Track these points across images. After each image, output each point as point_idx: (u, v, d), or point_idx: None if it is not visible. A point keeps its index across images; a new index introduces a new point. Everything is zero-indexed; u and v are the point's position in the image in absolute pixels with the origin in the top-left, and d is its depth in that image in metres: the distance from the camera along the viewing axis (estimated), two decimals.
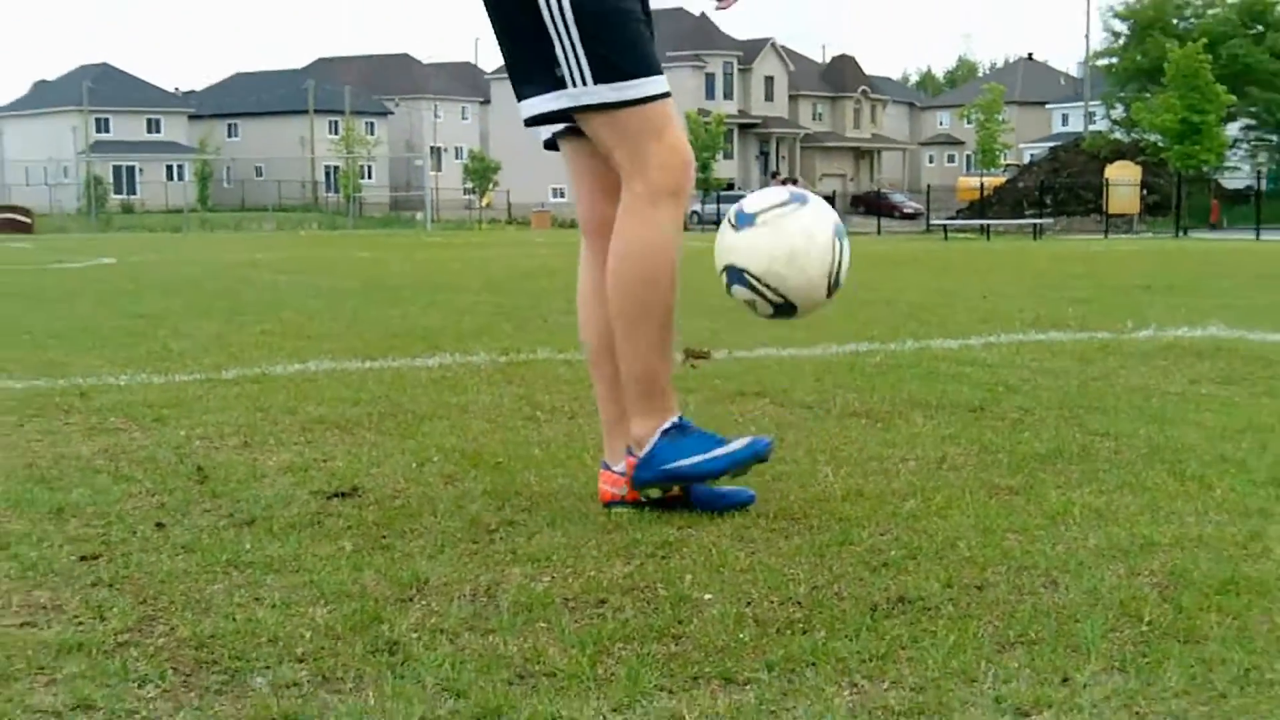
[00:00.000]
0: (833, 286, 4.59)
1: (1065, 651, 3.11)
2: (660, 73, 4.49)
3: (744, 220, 4.63)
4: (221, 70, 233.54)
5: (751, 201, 4.69)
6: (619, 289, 4.55)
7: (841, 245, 4.58)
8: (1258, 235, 54.89)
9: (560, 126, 4.67)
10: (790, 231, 4.56)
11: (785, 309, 4.61)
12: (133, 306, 13.92)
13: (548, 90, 4.47)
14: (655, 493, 4.57)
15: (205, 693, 2.90)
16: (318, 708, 2.79)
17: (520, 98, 4.58)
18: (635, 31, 4.45)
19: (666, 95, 4.51)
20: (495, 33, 4.61)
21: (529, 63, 4.50)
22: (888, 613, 3.40)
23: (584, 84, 4.41)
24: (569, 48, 4.39)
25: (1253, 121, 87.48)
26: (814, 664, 3.03)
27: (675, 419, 4.59)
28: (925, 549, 3.98)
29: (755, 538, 4.15)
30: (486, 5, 4.55)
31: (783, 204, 4.61)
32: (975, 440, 5.58)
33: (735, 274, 4.60)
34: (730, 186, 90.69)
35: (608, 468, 4.72)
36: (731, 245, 4.62)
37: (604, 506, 4.62)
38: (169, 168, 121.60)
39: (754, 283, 4.55)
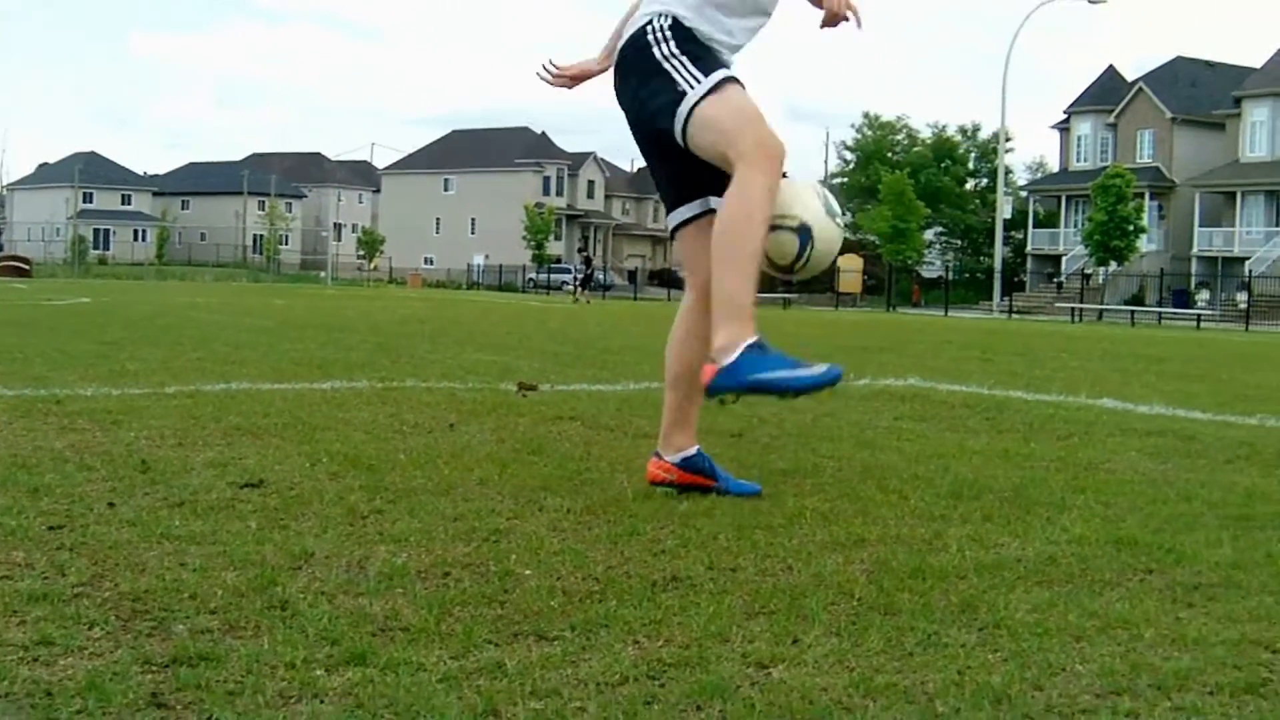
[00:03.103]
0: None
1: (796, 620, 3.10)
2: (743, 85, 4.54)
3: (835, 213, 4.62)
4: (180, 159, 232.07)
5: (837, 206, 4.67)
6: (723, 225, 4.40)
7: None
8: (946, 312, 55.84)
9: (687, 218, 4.79)
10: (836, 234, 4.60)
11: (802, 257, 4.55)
12: (100, 335, 13.68)
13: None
14: (731, 399, 4.30)
15: (139, 635, 2.86)
16: (225, 649, 2.74)
17: (670, 209, 4.80)
18: (717, 58, 4.55)
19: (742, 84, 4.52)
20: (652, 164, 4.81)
21: (681, 181, 4.72)
22: (664, 588, 3.38)
23: (692, 86, 4.44)
24: (681, 71, 4.46)
25: (943, 229, 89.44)
26: (607, 626, 3.01)
27: (757, 338, 4.28)
28: (693, 540, 3.97)
29: (565, 528, 4.12)
30: (645, 150, 4.76)
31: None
32: (734, 458, 5.57)
33: (806, 233, 4.52)
34: (558, 260, 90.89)
35: (659, 456, 4.86)
36: (817, 217, 4.55)
37: (651, 485, 4.76)
38: (136, 231, 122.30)
39: (811, 239, 4.50)
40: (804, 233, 4.52)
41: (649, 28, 4.57)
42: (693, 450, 4.85)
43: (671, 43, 4.51)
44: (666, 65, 4.49)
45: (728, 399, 4.32)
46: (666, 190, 4.88)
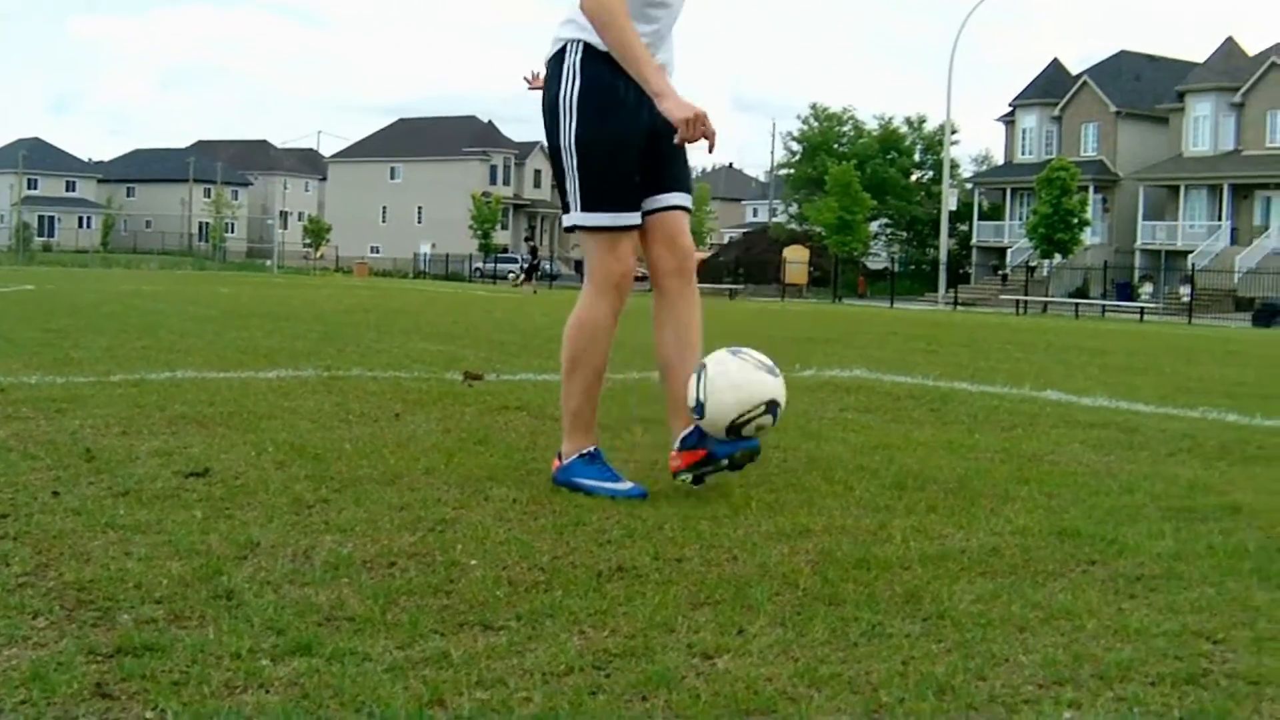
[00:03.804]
0: (733, 426, 4.60)
1: (741, 610, 3.11)
2: (631, 208, 4.71)
3: (735, 352, 4.74)
4: (125, 145, 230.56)
5: (750, 351, 4.80)
6: (567, 344, 4.83)
7: (762, 414, 4.63)
8: (892, 303, 56.07)
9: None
10: (752, 377, 4.66)
11: (698, 409, 4.62)
12: (45, 323, 13.57)
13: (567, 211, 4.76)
14: (568, 489, 4.65)
15: (84, 625, 2.84)
16: (170, 639, 2.73)
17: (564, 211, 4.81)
18: (615, 170, 4.67)
19: (627, 228, 4.71)
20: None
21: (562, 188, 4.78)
22: (609, 578, 3.39)
23: (575, 209, 4.71)
24: (571, 182, 4.70)
25: (889, 220, 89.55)
26: (552, 615, 3.01)
27: (593, 448, 4.78)
28: (639, 530, 3.97)
29: (511, 518, 4.12)
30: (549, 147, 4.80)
31: (765, 364, 4.74)
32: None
33: (700, 369, 4.66)
34: (504, 250, 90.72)
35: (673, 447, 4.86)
36: (714, 356, 4.70)
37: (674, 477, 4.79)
38: (80, 218, 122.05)
39: (701, 380, 4.61)
40: (699, 369, 4.68)
41: (564, 71, 4.66)
42: (689, 429, 4.83)
43: (574, 120, 4.63)
44: (564, 156, 4.70)
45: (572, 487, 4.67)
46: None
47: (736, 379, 4.59)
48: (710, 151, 4.64)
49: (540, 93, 4.84)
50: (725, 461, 4.66)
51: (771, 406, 4.62)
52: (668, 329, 4.89)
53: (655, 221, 4.81)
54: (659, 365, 4.96)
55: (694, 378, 4.63)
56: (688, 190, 4.90)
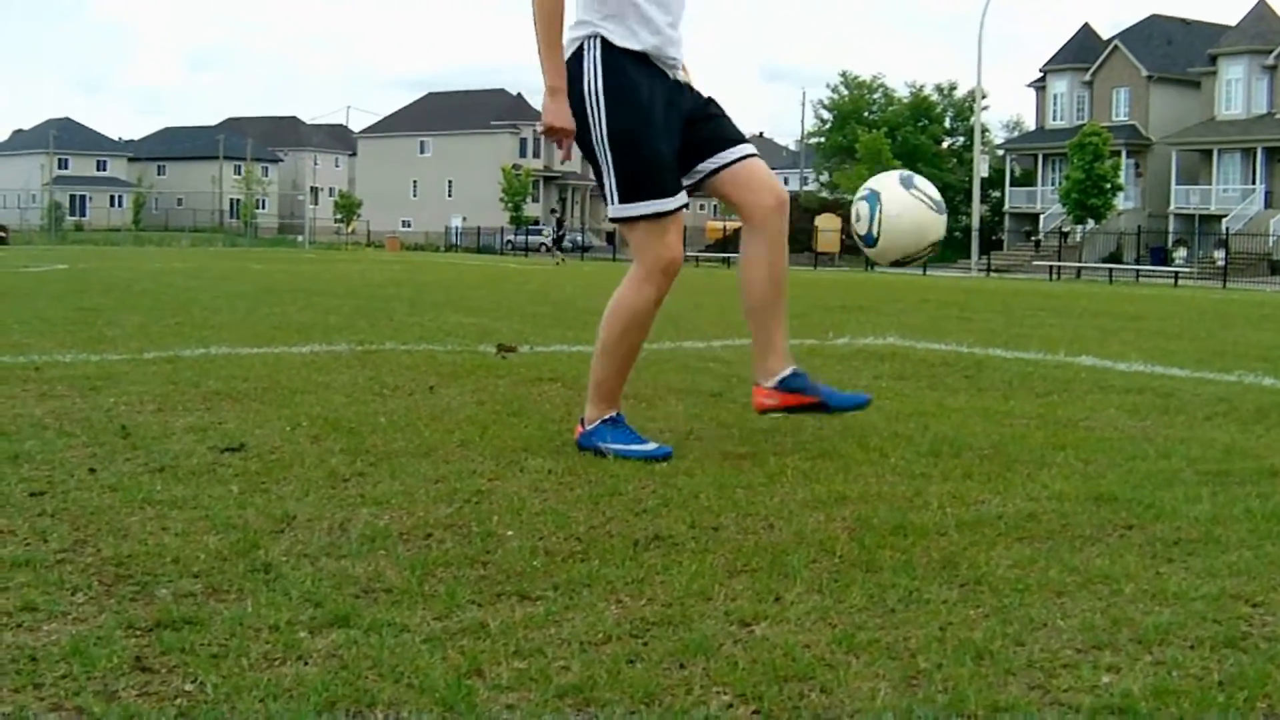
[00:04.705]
0: (900, 261, 5.03)
1: (778, 577, 3.11)
2: (670, 193, 4.72)
3: (907, 184, 5.00)
4: (155, 124, 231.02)
5: (921, 181, 5.06)
6: (607, 325, 4.84)
7: (927, 251, 5.00)
8: (925, 271, 55.81)
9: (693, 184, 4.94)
10: (922, 217, 4.94)
11: (869, 241, 4.96)
12: (78, 302, 13.63)
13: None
14: (594, 455, 4.70)
15: (122, 600, 2.86)
16: (208, 613, 2.75)
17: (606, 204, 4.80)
18: (649, 157, 4.69)
19: (672, 213, 4.74)
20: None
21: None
22: (646, 547, 3.39)
23: (614, 202, 4.73)
24: (607, 173, 4.73)
25: None
26: (589, 585, 3.02)
27: (615, 413, 4.83)
28: (675, 499, 3.97)
29: (547, 488, 4.12)
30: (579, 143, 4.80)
31: (935, 201, 4.99)
32: (714, 418, 5.58)
33: (873, 199, 4.94)
34: (535, 222, 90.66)
35: (759, 384, 4.99)
36: (889, 186, 4.96)
37: (760, 414, 5.00)
38: (112, 197, 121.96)
39: (876, 213, 4.90)
40: (871, 197, 4.93)
41: (584, 68, 4.69)
42: (788, 370, 4.96)
43: (603, 115, 4.67)
44: (598, 151, 4.73)
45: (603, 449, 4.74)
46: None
47: (916, 218, 4.90)
48: (561, 158, 4.84)
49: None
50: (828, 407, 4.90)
51: (935, 246, 4.94)
52: (761, 270, 4.92)
53: (737, 172, 4.89)
54: (750, 306, 4.98)
55: (864, 205, 4.88)
56: (747, 141, 4.97)
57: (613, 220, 4.82)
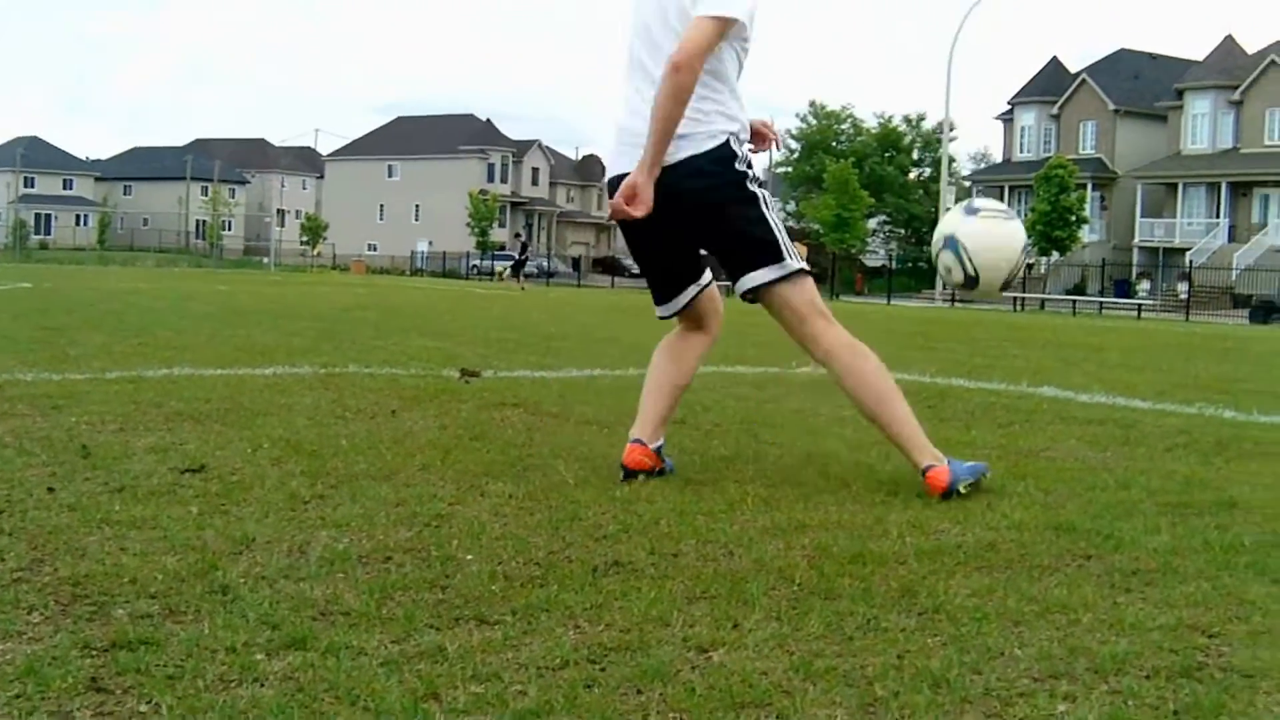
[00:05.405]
0: (1007, 283, 5.00)
1: (737, 604, 3.11)
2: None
3: (972, 211, 5.00)
4: (122, 144, 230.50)
5: (981, 201, 5.11)
6: (857, 393, 4.86)
7: (1023, 258, 5.00)
8: (889, 300, 56.07)
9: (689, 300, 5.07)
10: (1002, 231, 4.96)
11: (971, 282, 4.94)
12: (41, 320, 13.56)
13: (765, 265, 4.78)
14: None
15: (79, 620, 2.85)
16: (165, 634, 2.74)
17: (734, 278, 4.86)
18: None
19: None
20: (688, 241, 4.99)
21: (744, 252, 4.81)
22: (605, 572, 3.39)
23: (789, 259, 4.81)
24: (779, 233, 4.81)
25: (886, 218, 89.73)
26: (548, 610, 3.02)
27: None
28: (635, 525, 3.98)
29: (507, 513, 4.12)
30: (684, 227, 4.86)
31: (1003, 211, 5.05)
32: (676, 445, 5.58)
33: (953, 243, 4.92)
34: (502, 247, 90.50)
35: (645, 444, 4.90)
36: (958, 224, 4.96)
37: (630, 469, 4.82)
38: (78, 216, 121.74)
39: (962, 254, 4.90)
40: (950, 243, 4.95)
41: (739, 153, 4.77)
42: (662, 442, 5.02)
43: (765, 190, 4.86)
44: (766, 213, 4.82)
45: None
46: (661, 280, 5.11)
47: (1000, 237, 4.95)
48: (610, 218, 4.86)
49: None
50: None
51: (1028, 249, 5.03)
52: (697, 361, 5.22)
53: (713, 293, 5.16)
54: (679, 384, 5.14)
55: (948, 255, 4.98)
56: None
57: (798, 273, 4.84)
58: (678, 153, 4.64)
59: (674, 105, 4.52)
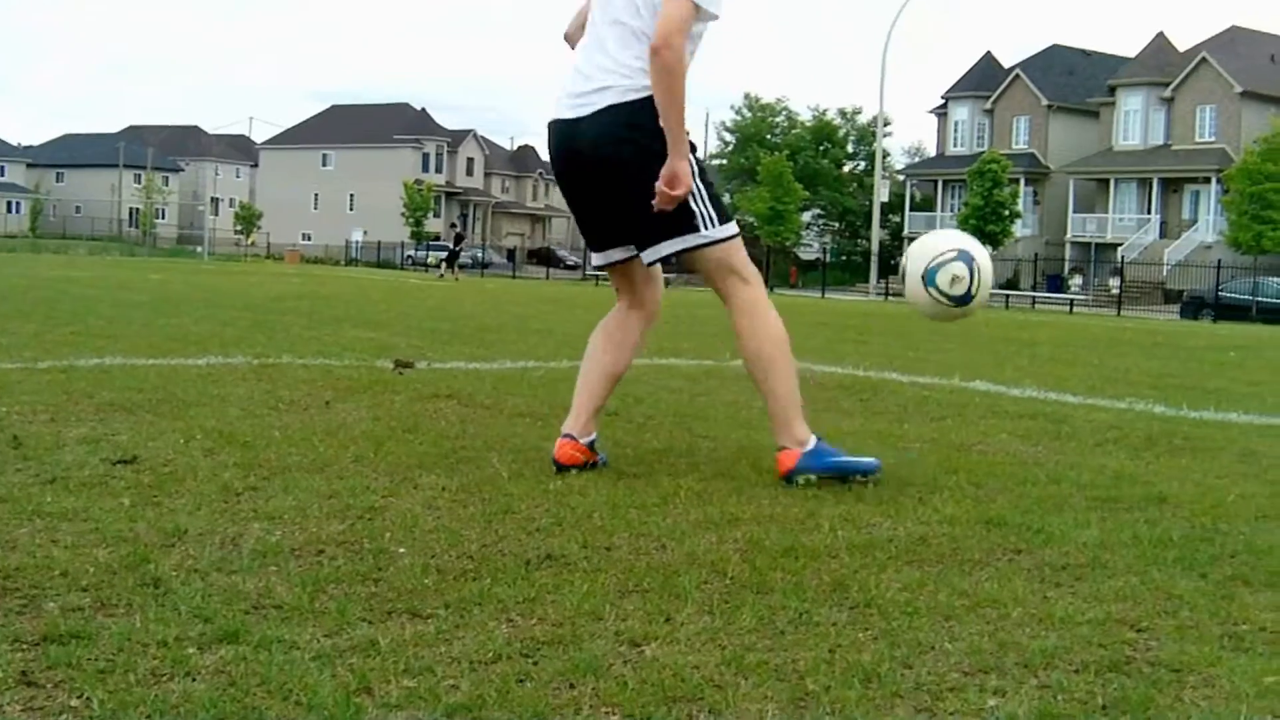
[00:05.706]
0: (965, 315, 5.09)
1: (669, 598, 3.12)
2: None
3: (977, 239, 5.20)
4: (55, 130, 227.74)
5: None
6: (759, 353, 4.89)
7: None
8: (823, 294, 56.24)
9: (621, 258, 5.06)
10: (991, 269, 5.08)
11: (966, 299, 4.99)
12: None
13: (679, 235, 4.82)
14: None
15: (8, 613, 2.81)
16: (96, 627, 2.72)
17: (642, 247, 4.93)
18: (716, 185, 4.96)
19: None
20: (611, 203, 4.91)
21: (659, 221, 4.79)
22: (538, 566, 3.40)
23: (715, 225, 4.83)
24: (703, 202, 4.80)
25: (820, 211, 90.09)
26: (480, 604, 3.01)
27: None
28: (568, 518, 3.98)
29: (440, 506, 4.11)
30: (608, 189, 4.86)
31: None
32: (610, 438, 5.59)
33: (968, 257, 4.99)
34: (437, 238, 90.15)
35: (575, 438, 4.91)
36: (972, 244, 5.08)
37: (561, 464, 4.81)
38: (9, 203, 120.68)
39: (976, 272, 4.96)
40: (965, 256, 5.01)
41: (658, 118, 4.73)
42: (595, 436, 5.01)
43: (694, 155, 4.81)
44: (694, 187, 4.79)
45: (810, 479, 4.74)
46: (593, 230, 5.09)
47: (991, 275, 5.08)
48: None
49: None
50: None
51: (964, 255, 5.05)
52: (633, 350, 5.22)
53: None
54: (613, 372, 5.16)
55: (960, 265, 4.98)
56: None
57: (717, 241, 4.85)
58: (600, 101, 4.75)
59: (670, 82, 4.60)
